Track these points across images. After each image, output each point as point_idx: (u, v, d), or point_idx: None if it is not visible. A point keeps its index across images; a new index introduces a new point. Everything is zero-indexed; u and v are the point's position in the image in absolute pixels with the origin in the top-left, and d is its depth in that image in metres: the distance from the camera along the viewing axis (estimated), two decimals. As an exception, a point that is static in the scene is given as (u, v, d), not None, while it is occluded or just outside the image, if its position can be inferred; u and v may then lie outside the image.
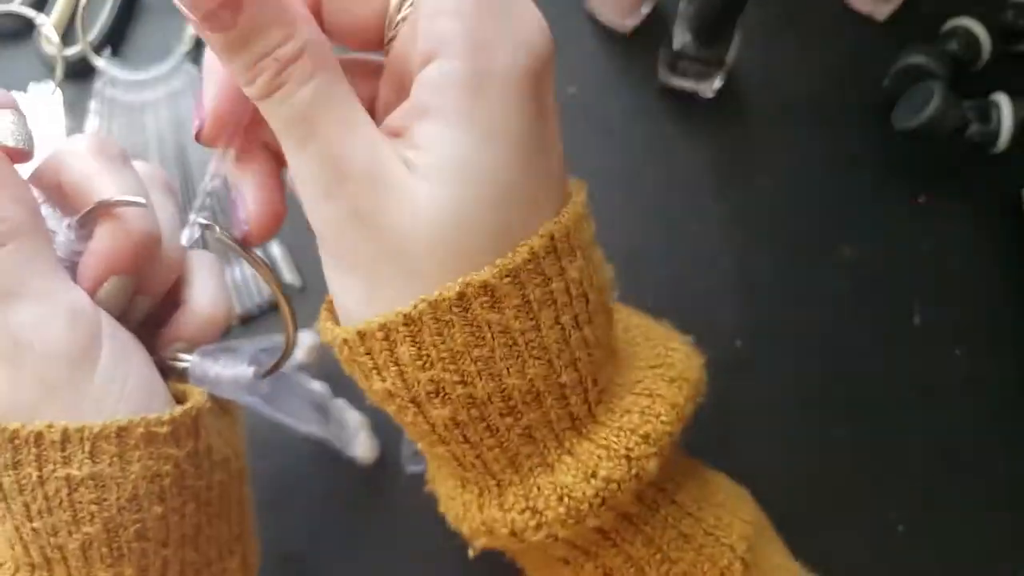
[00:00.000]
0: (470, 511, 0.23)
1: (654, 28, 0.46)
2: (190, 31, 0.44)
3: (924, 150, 0.45)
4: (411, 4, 0.20)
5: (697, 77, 0.43)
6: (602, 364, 0.22)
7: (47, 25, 0.43)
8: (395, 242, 0.19)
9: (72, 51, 0.44)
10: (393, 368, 0.20)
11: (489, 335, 0.19)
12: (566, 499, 0.21)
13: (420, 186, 0.19)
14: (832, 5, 0.48)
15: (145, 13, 0.46)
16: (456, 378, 0.19)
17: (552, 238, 0.20)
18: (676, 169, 0.45)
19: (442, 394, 0.20)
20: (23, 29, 0.45)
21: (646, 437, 0.21)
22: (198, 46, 0.45)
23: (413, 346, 0.19)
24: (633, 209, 0.44)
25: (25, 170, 0.24)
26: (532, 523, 0.21)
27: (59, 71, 0.43)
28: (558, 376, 0.20)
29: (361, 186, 0.19)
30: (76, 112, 0.44)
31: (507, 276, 0.19)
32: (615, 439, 0.21)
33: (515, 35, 0.19)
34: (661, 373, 0.23)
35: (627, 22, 0.46)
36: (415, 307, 0.19)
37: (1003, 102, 0.42)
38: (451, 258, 0.19)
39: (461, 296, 0.19)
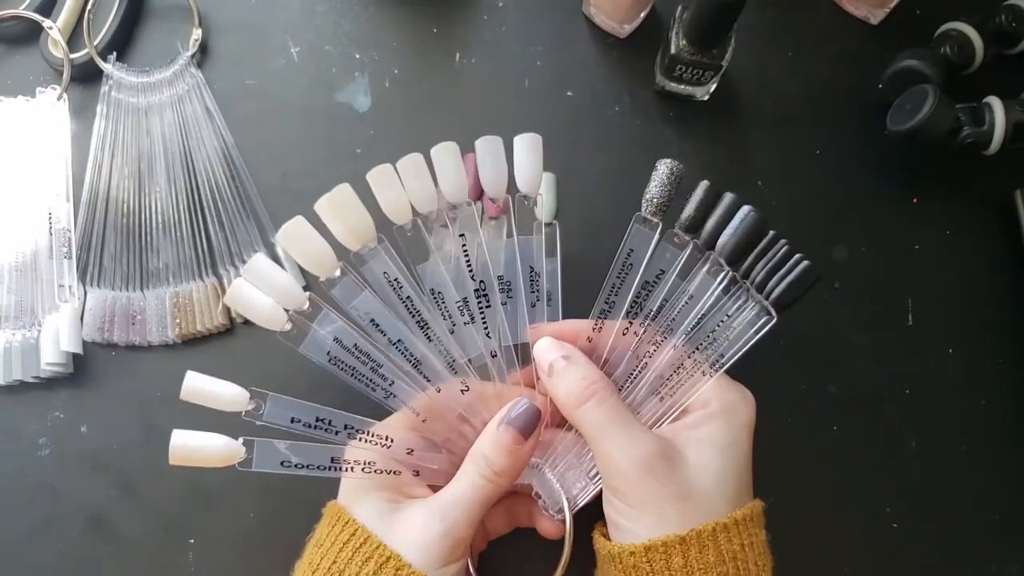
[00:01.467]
0: None
1: (651, 32, 0.47)
2: (195, 35, 0.45)
3: (918, 152, 0.45)
4: None
5: (693, 81, 0.44)
6: None
7: (55, 29, 0.44)
8: (682, 492, 0.32)
9: (78, 55, 0.44)
10: (666, 572, 0.31)
11: (726, 557, 0.31)
12: None
13: (704, 461, 0.33)
14: (827, 9, 0.49)
15: (150, 17, 0.47)
16: None
17: (756, 508, 0.33)
18: (673, 171, 0.45)
19: None
20: (29, 34, 0.45)
21: None
22: (202, 50, 0.46)
23: (682, 558, 0.31)
24: (630, 210, 0.44)
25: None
26: None
27: (66, 75, 0.44)
28: None
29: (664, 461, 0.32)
30: (82, 115, 0.44)
31: (739, 523, 0.32)
32: None
33: (743, 398, 0.35)
34: None
35: (624, 26, 0.46)
36: (689, 533, 0.31)
37: (996, 105, 0.43)
38: (709, 507, 0.32)
39: (714, 530, 0.31)
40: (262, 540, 0.39)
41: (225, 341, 0.42)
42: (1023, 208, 0.45)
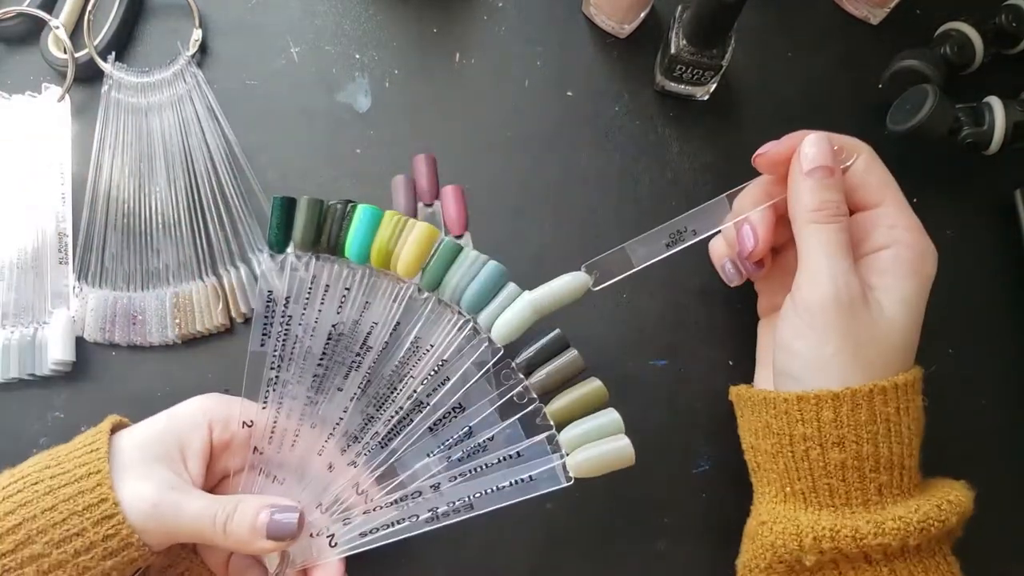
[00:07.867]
0: (795, 517, 0.33)
1: (651, 32, 0.47)
2: (195, 35, 0.45)
3: (918, 152, 0.45)
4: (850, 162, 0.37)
5: (693, 81, 0.44)
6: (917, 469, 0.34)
7: (60, 28, 0.44)
8: (865, 342, 0.33)
9: (79, 55, 0.44)
10: (814, 421, 0.32)
11: (879, 419, 0.32)
12: (900, 523, 0.31)
13: (894, 315, 0.33)
14: (827, 9, 0.49)
15: (150, 17, 0.47)
16: (853, 438, 0.32)
17: (917, 375, 0.34)
18: (672, 171, 0.45)
19: (841, 445, 0.32)
20: (30, 34, 0.45)
21: (944, 512, 0.33)
22: (202, 50, 0.46)
23: (832, 413, 0.32)
24: (630, 210, 0.45)
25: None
26: (872, 531, 0.31)
27: (70, 74, 0.44)
28: (904, 458, 0.33)
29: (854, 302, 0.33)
30: (83, 115, 0.44)
31: (899, 387, 0.32)
32: (927, 504, 0.32)
33: (931, 250, 0.35)
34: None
35: (624, 26, 0.46)
36: (844, 391, 0.32)
37: (995, 104, 0.43)
38: (886, 366, 0.33)
39: (871, 392, 0.32)
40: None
41: (225, 341, 0.42)
42: (1023, 208, 0.45)
